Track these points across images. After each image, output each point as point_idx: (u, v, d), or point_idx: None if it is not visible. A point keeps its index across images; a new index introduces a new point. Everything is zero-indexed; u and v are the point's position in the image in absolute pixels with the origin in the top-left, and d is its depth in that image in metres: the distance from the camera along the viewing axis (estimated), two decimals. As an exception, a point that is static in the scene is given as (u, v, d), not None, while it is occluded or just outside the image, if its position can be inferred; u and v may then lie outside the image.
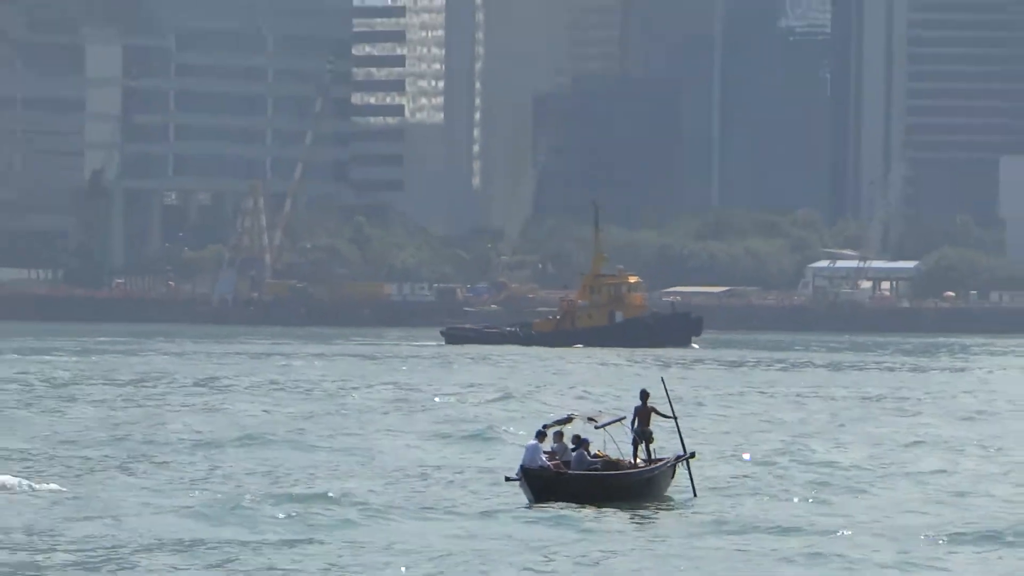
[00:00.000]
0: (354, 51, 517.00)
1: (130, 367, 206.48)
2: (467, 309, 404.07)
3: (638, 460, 78.62)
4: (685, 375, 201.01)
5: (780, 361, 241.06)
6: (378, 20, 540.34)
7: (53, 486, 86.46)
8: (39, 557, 64.84)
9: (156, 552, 64.35)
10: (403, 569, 64.68)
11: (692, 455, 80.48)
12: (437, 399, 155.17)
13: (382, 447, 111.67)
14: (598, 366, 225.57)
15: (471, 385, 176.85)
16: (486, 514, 76.20)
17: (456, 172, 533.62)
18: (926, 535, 72.49)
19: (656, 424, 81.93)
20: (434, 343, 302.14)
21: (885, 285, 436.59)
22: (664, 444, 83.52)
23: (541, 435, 77.48)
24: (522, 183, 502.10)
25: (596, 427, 78.58)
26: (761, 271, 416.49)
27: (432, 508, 79.55)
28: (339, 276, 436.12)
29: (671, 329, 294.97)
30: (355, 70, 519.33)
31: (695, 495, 79.10)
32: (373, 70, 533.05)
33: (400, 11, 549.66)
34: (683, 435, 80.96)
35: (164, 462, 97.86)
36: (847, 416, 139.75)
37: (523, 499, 77.12)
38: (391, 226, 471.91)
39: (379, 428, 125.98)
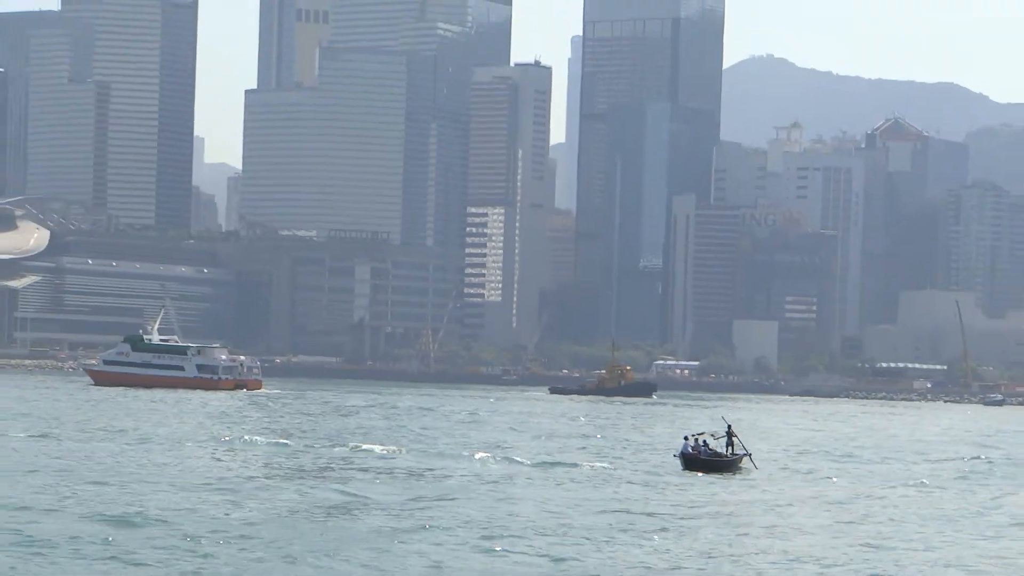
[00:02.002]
0: (465, 272, 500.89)
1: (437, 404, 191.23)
2: (504, 378, 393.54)
3: (728, 454, 78.94)
4: (647, 410, 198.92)
5: (672, 403, 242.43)
6: (474, 259, 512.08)
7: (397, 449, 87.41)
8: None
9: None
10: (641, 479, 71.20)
11: (750, 454, 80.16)
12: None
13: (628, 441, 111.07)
14: (641, 407, 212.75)
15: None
16: (670, 469, 79.66)
17: (505, 321, 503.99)
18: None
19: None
20: (544, 393, 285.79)
21: (686, 372, 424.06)
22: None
23: (687, 438, 78.76)
24: (536, 326, 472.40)
25: (713, 436, 79.81)
26: (636, 365, 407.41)
27: (654, 464, 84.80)
28: (460, 364, 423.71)
29: (644, 389, 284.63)
30: (466, 279, 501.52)
31: (756, 468, 79.39)
32: (473, 278, 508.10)
33: (482, 254, 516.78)
34: (743, 442, 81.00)
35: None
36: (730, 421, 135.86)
37: (679, 466, 78.89)
38: (481, 343, 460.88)
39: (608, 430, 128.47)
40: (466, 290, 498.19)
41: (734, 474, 78.12)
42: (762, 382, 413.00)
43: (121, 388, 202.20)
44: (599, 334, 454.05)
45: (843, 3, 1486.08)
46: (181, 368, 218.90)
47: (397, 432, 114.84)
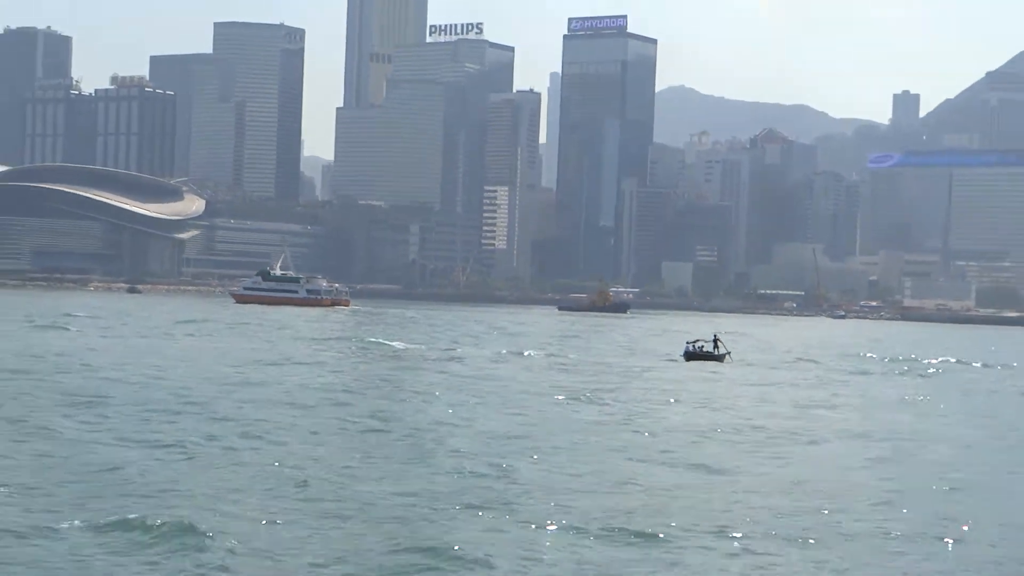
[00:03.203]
0: (483, 229, 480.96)
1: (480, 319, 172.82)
2: (509, 299, 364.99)
3: (716, 352, 76.57)
4: (627, 322, 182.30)
5: (641, 315, 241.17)
6: (489, 220, 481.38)
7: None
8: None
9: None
10: (655, 366, 66.37)
11: (729, 352, 77.32)
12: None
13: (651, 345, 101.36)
14: (629, 322, 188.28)
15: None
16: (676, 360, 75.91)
17: (509, 262, 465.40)
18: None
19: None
20: (555, 311, 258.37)
21: (630, 296, 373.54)
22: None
23: (687, 344, 78.18)
24: (530, 265, 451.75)
25: (704, 342, 77.17)
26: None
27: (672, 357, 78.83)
28: (479, 289, 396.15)
29: (621, 307, 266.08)
30: (483, 234, 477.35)
31: (731, 358, 76.40)
32: (488, 233, 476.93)
33: (493, 217, 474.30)
34: (726, 344, 77.54)
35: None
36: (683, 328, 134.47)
37: (681, 360, 75.94)
38: (493, 277, 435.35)
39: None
40: (483, 241, 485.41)
41: (718, 362, 78.10)
42: (682, 302, 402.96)
43: (255, 305, 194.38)
44: (572, 271, 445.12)
45: (730, 50, 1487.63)
46: (296, 292, 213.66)
47: (484, 337, 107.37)
